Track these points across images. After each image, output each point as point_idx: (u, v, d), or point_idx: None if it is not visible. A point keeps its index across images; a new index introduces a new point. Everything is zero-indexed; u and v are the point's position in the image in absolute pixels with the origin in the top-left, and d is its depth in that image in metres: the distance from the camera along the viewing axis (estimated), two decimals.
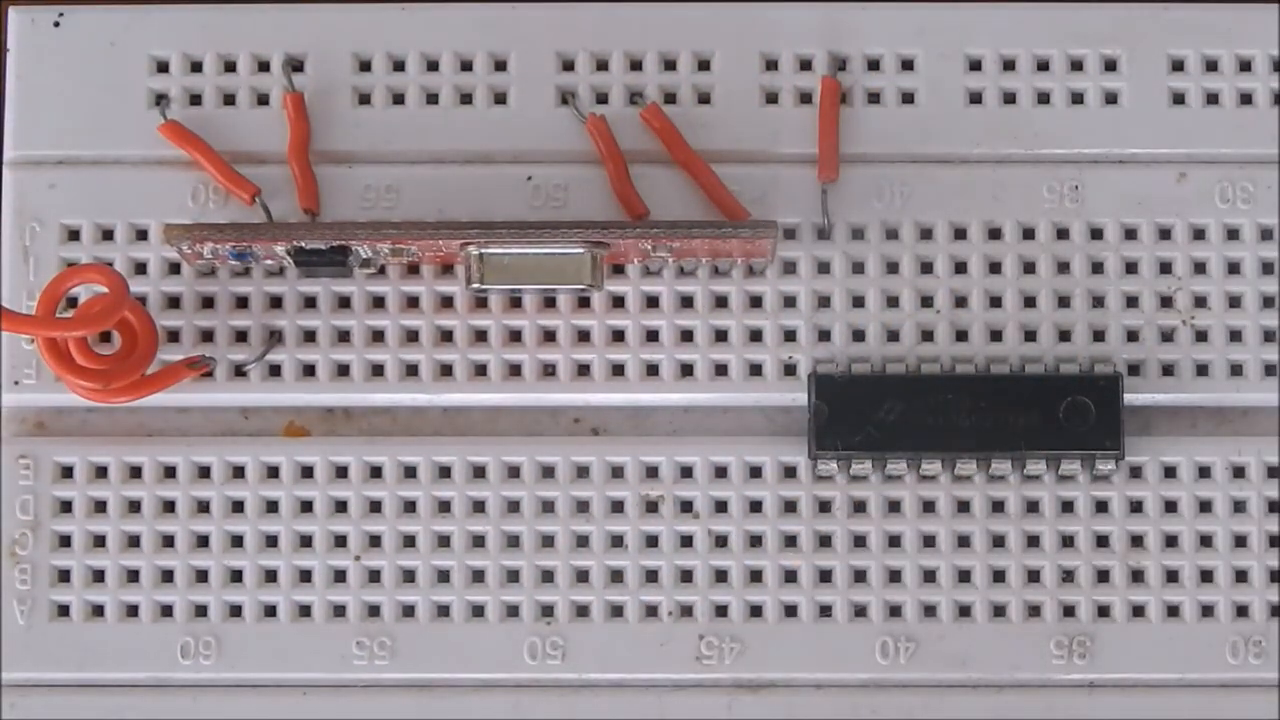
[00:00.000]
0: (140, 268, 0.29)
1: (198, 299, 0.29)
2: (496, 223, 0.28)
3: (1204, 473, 0.29)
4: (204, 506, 0.29)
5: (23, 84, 0.29)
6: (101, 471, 0.29)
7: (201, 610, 0.29)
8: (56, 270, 0.29)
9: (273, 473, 0.29)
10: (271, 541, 0.29)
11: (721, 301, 0.29)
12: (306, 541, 0.29)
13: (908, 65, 0.29)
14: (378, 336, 0.29)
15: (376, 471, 0.29)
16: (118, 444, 0.29)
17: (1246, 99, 0.29)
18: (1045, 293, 0.29)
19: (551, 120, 0.29)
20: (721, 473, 0.29)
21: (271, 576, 0.29)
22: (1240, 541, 0.29)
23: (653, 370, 0.29)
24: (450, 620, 0.28)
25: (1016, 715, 0.28)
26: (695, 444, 0.29)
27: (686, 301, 0.29)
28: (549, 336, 0.29)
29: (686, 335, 0.29)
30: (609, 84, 0.29)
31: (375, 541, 0.29)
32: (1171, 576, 0.29)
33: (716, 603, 0.28)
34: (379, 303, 0.29)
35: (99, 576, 0.29)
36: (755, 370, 0.29)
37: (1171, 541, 0.29)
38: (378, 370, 0.29)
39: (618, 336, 0.29)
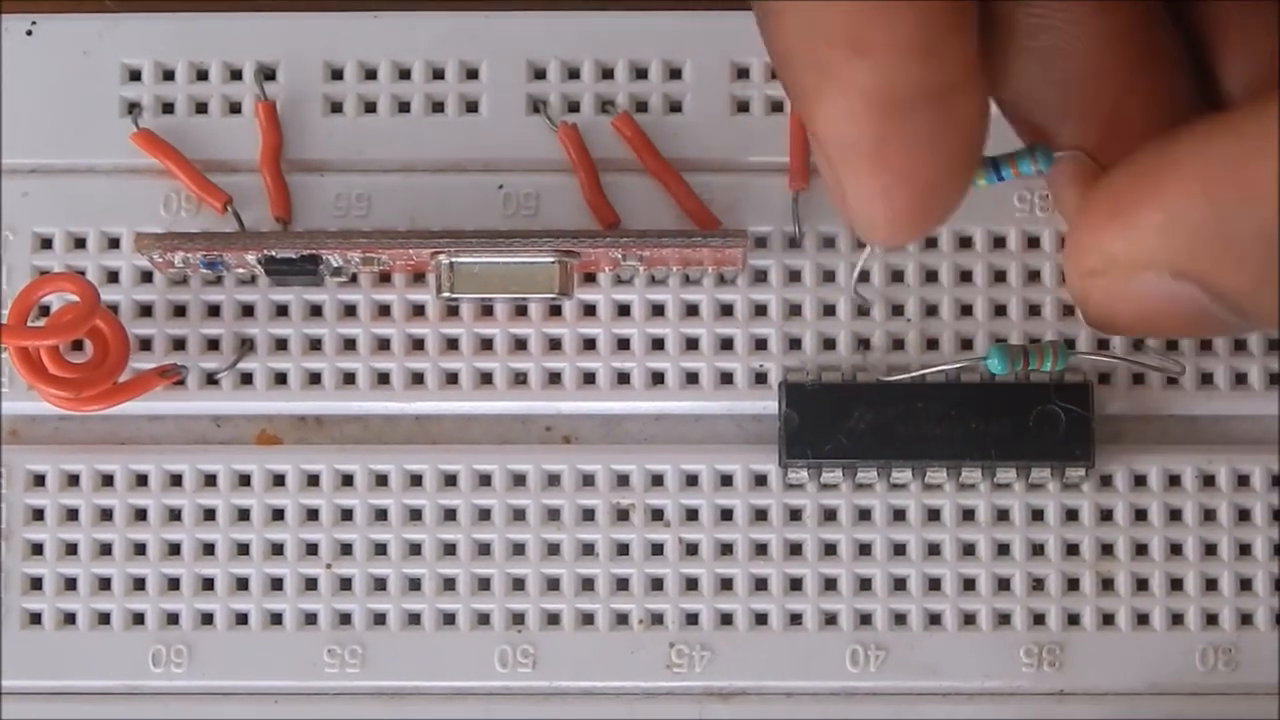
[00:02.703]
0: (113, 276, 0.29)
1: (170, 307, 0.29)
2: (466, 232, 0.28)
3: (1174, 481, 0.29)
4: (176, 515, 0.29)
5: None
6: (73, 480, 0.29)
7: (173, 618, 0.29)
8: (30, 279, 0.29)
9: (244, 481, 0.29)
10: (243, 549, 0.29)
11: (692, 310, 0.29)
12: (278, 550, 0.29)
13: None
14: (349, 345, 0.29)
15: (348, 480, 0.29)
16: (90, 452, 0.29)
17: None
18: (1015, 301, 0.29)
19: (523, 129, 0.29)
20: (692, 481, 0.29)
21: (243, 584, 0.29)
22: (1210, 550, 0.29)
23: (624, 379, 0.29)
24: (421, 628, 0.29)
25: None
26: (666, 452, 0.29)
27: (658, 310, 0.29)
28: (520, 345, 0.29)
29: (658, 343, 0.29)
30: (580, 92, 0.29)
31: (347, 550, 0.29)
32: (1141, 585, 0.29)
33: (687, 611, 0.29)
34: (350, 311, 0.29)
35: (71, 584, 0.29)
36: (726, 379, 0.29)
37: (1141, 550, 0.29)
38: (349, 378, 0.29)
39: (589, 345, 0.29)
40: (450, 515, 0.29)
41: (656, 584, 0.29)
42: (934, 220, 0.21)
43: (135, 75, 0.30)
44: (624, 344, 0.29)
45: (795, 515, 0.29)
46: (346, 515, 0.29)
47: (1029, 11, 0.20)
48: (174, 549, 0.29)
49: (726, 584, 0.29)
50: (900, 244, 0.22)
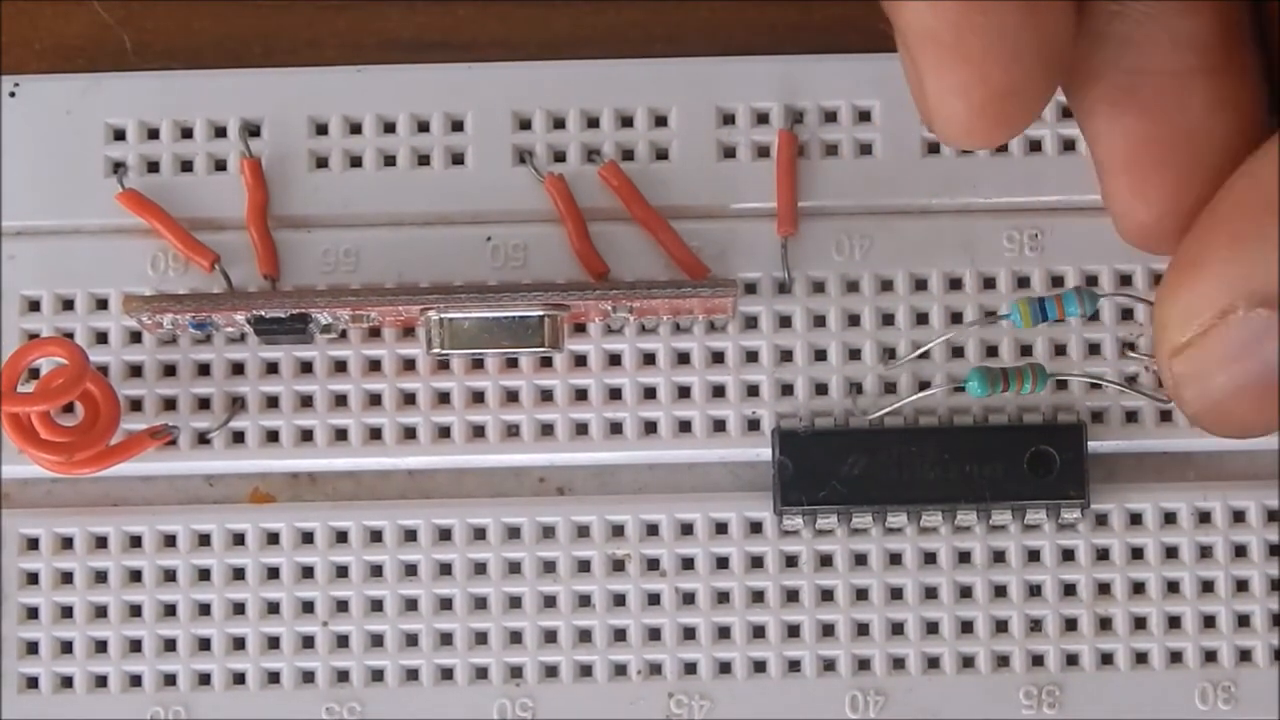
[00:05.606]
0: (101, 337, 0.29)
1: (160, 367, 0.29)
2: (455, 287, 0.28)
3: (1169, 519, 0.29)
4: (171, 575, 0.29)
5: None
6: (67, 543, 0.29)
7: (170, 679, 0.29)
8: (19, 343, 0.29)
9: (239, 540, 0.29)
10: (239, 609, 0.29)
11: (684, 358, 0.29)
12: (274, 608, 0.29)
13: (864, 116, 0.29)
14: (340, 401, 0.29)
15: (342, 536, 0.29)
16: (83, 515, 0.29)
17: None
18: (1007, 342, 0.29)
19: (509, 180, 0.29)
20: (687, 530, 0.29)
21: (239, 644, 0.29)
22: (1207, 587, 0.29)
23: (616, 428, 0.29)
24: (419, 683, 0.28)
25: None
26: (660, 501, 0.29)
27: (649, 359, 0.29)
28: (512, 397, 0.29)
29: (649, 393, 0.29)
30: (566, 142, 0.29)
31: (343, 606, 0.29)
32: (1139, 624, 0.29)
33: (685, 660, 0.28)
34: (341, 367, 0.29)
35: (67, 648, 0.29)
36: (719, 426, 0.29)
37: (1139, 589, 0.29)
38: (341, 434, 0.29)
39: (581, 396, 0.29)
40: (445, 569, 0.29)
41: (654, 634, 0.29)
42: (1011, 125, 0.20)
43: (119, 134, 0.29)
44: (616, 394, 0.29)
45: (791, 561, 0.29)
46: (342, 572, 0.29)
47: None
48: (169, 610, 0.29)
49: (724, 632, 0.29)
50: (977, 145, 0.20)
